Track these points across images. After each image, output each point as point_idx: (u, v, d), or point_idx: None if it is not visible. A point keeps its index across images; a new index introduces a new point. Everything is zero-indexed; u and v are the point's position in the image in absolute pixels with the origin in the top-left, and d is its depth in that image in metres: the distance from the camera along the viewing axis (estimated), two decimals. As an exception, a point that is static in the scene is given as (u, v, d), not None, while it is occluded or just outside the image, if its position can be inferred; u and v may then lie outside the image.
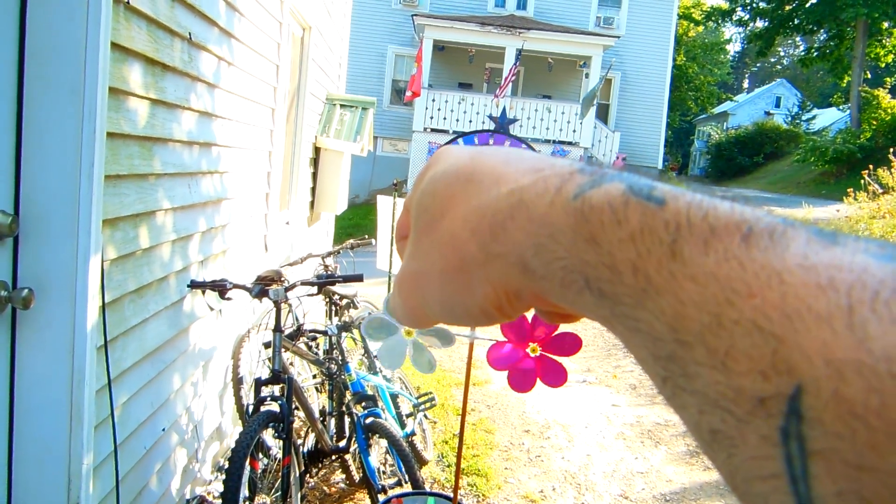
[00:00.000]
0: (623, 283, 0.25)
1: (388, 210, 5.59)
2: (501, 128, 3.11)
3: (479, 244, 0.30)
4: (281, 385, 2.73)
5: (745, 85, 58.69)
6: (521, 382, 2.04)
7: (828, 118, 34.61)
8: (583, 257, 0.26)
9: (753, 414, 0.21)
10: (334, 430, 3.50)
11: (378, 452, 3.28)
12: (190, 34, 2.50)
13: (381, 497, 2.94)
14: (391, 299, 0.37)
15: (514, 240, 0.29)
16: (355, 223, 14.52)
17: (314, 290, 3.07)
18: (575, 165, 0.30)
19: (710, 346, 0.22)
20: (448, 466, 3.94)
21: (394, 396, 3.66)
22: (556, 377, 2.04)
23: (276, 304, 2.74)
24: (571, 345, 2.03)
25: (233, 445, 2.46)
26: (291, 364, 3.35)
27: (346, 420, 3.43)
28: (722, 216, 0.24)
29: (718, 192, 0.27)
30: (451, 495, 2.58)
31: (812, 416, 0.20)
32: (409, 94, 15.30)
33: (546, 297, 0.29)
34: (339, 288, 3.95)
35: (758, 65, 57.92)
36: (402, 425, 3.60)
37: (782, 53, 59.55)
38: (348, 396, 3.28)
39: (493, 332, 2.14)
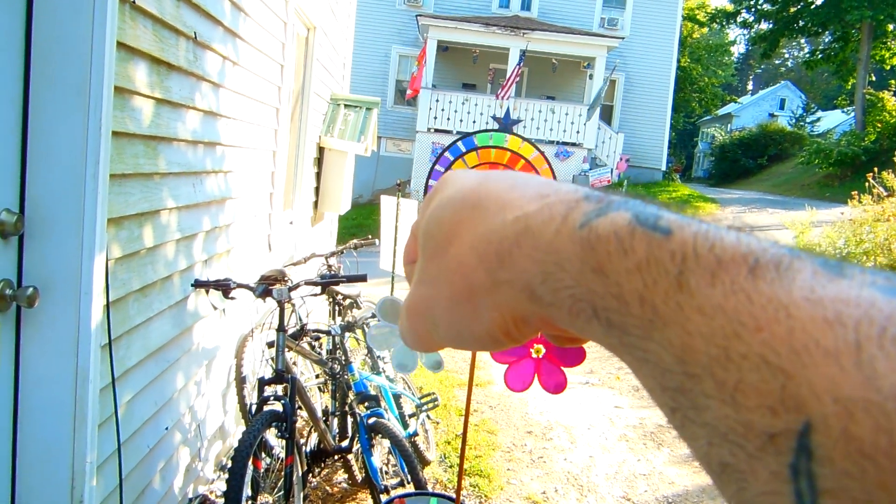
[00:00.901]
0: (630, 314, 0.25)
1: (391, 210, 5.59)
2: (505, 128, 3.10)
3: (487, 271, 0.31)
4: (284, 385, 2.73)
5: (750, 87, 58.60)
6: (516, 381, 2.04)
7: (832, 120, 34.53)
8: (590, 287, 0.27)
9: (763, 449, 0.21)
10: (337, 430, 3.50)
11: (381, 452, 3.28)
12: (195, 34, 2.50)
13: (384, 497, 2.94)
14: (400, 322, 0.37)
15: (521, 267, 0.29)
16: (358, 223, 14.52)
17: (318, 289, 3.07)
18: (580, 192, 0.30)
19: (718, 380, 0.22)
20: (450, 467, 3.94)
21: (396, 397, 3.66)
22: (556, 384, 2.04)
23: (280, 304, 2.74)
24: (575, 357, 2.02)
25: (236, 445, 2.47)
26: (294, 364, 3.35)
27: (349, 420, 3.43)
28: (728, 247, 0.24)
29: (724, 220, 0.27)
30: (454, 496, 2.58)
31: (822, 453, 0.20)
32: (409, 91, 15.50)
33: (555, 323, 0.29)
34: (342, 288, 3.95)
35: (762, 67, 57.82)
36: (405, 425, 3.60)
37: (787, 55, 59.43)
38: (351, 396, 3.28)
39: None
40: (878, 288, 0.22)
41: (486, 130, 3.08)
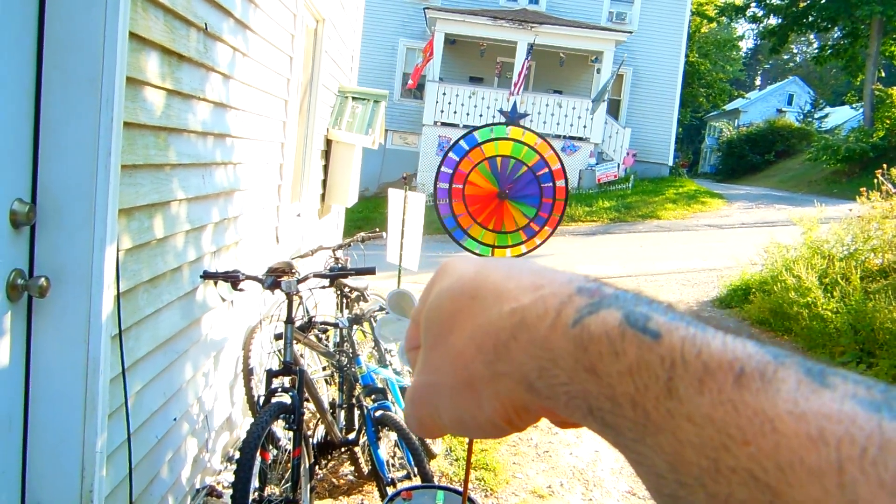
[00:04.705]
0: (624, 416, 0.26)
1: (398, 203, 5.59)
2: (511, 122, 3.09)
3: (485, 362, 0.31)
4: (292, 376, 2.74)
5: (758, 82, 58.27)
6: None
7: (840, 116, 34.35)
8: (584, 386, 0.27)
9: None
10: (344, 423, 3.51)
11: (387, 445, 3.29)
12: (206, 24, 2.50)
13: (391, 490, 2.95)
14: (405, 409, 0.38)
15: (518, 360, 0.29)
16: (365, 216, 14.52)
17: (326, 282, 3.07)
18: (574, 284, 0.30)
19: (710, 492, 0.23)
20: (456, 460, 3.95)
21: (403, 390, 3.67)
22: None
23: (289, 296, 2.74)
24: None
25: (244, 436, 2.47)
26: (301, 356, 3.36)
27: (356, 412, 3.44)
28: (715, 354, 0.25)
29: (712, 323, 0.27)
30: (461, 489, 2.59)
31: None
32: (410, 81, 15.92)
33: (555, 412, 0.30)
34: (350, 280, 3.96)
35: (771, 62, 57.47)
36: (412, 419, 3.60)
37: (795, 51, 59.08)
38: (358, 389, 3.29)
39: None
40: (859, 402, 0.22)
41: (488, 125, 3.07)
